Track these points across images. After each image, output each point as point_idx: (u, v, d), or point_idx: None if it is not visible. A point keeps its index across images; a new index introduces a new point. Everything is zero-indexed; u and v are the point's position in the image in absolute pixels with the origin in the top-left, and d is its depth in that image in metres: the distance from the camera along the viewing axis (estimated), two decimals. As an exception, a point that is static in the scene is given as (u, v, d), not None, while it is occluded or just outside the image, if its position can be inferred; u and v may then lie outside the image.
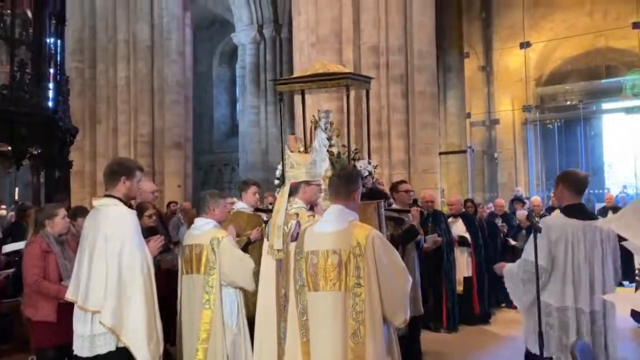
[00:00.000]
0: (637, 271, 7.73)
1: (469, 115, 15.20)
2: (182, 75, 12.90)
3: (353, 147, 5.36)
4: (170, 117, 12.57)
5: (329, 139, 4.73)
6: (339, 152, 5.13)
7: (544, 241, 3.14)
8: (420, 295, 5.03)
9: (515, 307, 3.55)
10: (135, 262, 2.72)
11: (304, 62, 9.42)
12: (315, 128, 4.76)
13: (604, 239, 3.07)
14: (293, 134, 10.84)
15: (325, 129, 4.74)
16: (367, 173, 5.08)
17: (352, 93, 8.82)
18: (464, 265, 6.99)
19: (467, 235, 6.95)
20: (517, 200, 10.05)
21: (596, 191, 15.03)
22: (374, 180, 5.02)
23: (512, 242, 8.05)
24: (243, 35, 17.01)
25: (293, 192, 2.85)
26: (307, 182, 2.98)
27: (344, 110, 8.63)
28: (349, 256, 2.41)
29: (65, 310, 3.41)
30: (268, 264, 2.86)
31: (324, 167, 4.59)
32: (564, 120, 16.55)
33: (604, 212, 10.48)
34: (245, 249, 3.77)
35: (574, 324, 2.98)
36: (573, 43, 15.91)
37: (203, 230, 3.25)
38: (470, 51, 15.33)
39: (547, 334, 3.03)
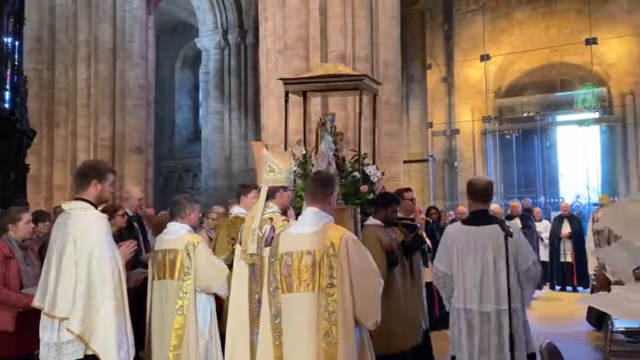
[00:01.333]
0: (592, 277, 8.05)
1: (430, 125, 15.52)
2: (145, 79, 12.66)
3: (350, 152, 5.30)
4: (131, 121, 12.30)
5: (335, 142, 4.70)
6: (343, 157, 5.10)
7: (443, 248, 3.43)
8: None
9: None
10: (106, 268, 2.64)
11: (271, 68, 9.43)
12: (322, 131, 4.71)
13: (501, 244, 3.10)
14: (259, 140, 10.83)
15: (331, 132, 4.72)
16: (376, 179, 5.10)
17: (317, 99, 9.00)
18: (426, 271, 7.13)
19: (429, 242, 7.08)
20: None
21: (552, 200, 15.59)
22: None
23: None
24: (207, 40, 16.87)
25: (269, 196, 2.84)
26: (285, 188, 2.98)
27: (352, 114, 8.66)
28: (323, 256, 2.42)
29: (26, 319, 3.29)
30: (241, 269, 2.83)
31: (330, 171, 4.56)
32: (521, 131, 17.10)
33: (560, 220, 10.86)
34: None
35: (478, 325, 3.12)
36: (530, 57, 16.49)
37: (177, 235, 3.19)
38: (432, 62, 15.67)
39: (458, 337, 3.24)
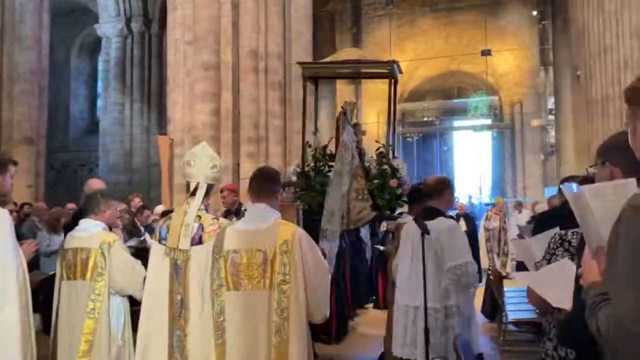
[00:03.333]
0: (487, 271, 8.63)
1: (339, 125, 15.83)
2: (37, 64, 11.64)
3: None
4: (21, 109, 11.26)
5: (355, 133, 4.42)
6: (363, 149, 4.77)
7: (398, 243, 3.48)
8: None
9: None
10: (8, 269, 2.36)
11: (179, 59, 9.09)
12: (343, 121, 4.42)
13: (418, 241, 3.14)
14: (164, 134, 10.38)
15: (350, 122, 4.40)
16: (404, 173, 4.79)
17: (228, 94, 8.81)
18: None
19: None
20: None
21: (448, 200, 16.48)
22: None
23: (381, 248, 8.48)
24: (108, 27, 15.92)
25: (206, 193, 2.72)
26: (212, 186, 2.86)
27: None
28: (275, 253, 2.39)
29: None
30: (160, 268, 2.66)
31: (355, 164, 4.28)
32: (422, 135, 17.99)
33: (456, 219, 11.51)
34: None
35: (421, 321, 3.07)
36: (431, 64, 17.37)
37: (91, 232, 2.94)
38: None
39: (395, 329, 3.29)
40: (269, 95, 8.72)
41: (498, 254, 10.66)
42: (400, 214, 4.59)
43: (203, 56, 8.68)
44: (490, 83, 17.26)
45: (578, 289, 1.87)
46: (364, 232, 7.22)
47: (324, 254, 4.21)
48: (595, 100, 8.01)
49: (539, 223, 4.71)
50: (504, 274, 8.48)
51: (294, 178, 5.01)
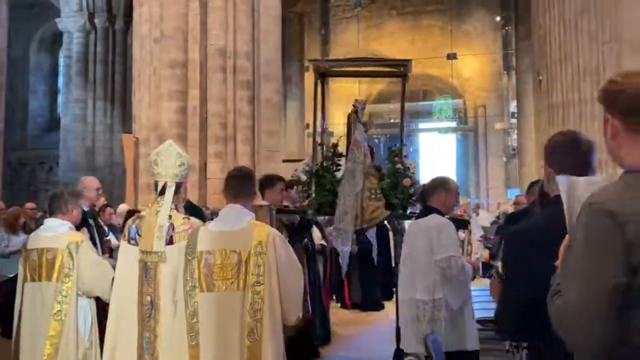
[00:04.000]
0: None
1: (307, 126, 15.84)
2: (-6, 58, 11.24)
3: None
4: (-24, 105, 10.84)
5: (365, 131, 4.34)
6: (373, 148, 4.70)
7: None
8: None
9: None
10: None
11: (145, 57, 8.92)
12: (355, 120, 4.32)
13: (427, 234, 3.36)
14: (129, 132, 10.16)
15: (361, 120, 4.31)
16: (415, 172, 4.75)
17: (195, 92, 8.70)
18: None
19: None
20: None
21: (414, 201, 16.72)
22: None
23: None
24: (70, 22, 15.46)
25: (175, 192, 2.67)
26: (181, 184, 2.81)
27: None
28: (249, 255, 2.37)
29: None
30: (129, 268, 2.60)
31: (367, 163, 4.22)
32: (389, 136, 18.14)
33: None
34: None
35: (421, 315, 3.27)
36: (398, 67, 17.54)
37: (57, 232, 2.84)
38: (310, 65, 16.01)
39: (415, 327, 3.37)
40: (237, 94, 8.64)
41: (462, 254, 10.85)
42: (413, 213, 4.63)
43: (170, 54, 8.55)
44: (455, 86, 17.60)
45: (506, 280, 1.96)
46: (371, 232, 7.32)
47: (337, 254, 4.20)
48: (556, 104, 8.23)
49: (509, 221, 4.94)
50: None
51: (303, 177, 4.96)
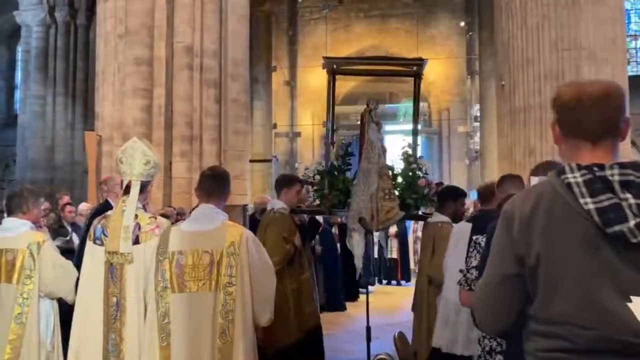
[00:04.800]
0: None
1: (274, 126, 15.78)
2: (-52, 51, 10.79)
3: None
4: None
5: (378, 130, 4.27)
6: (385, 148, 4.63)
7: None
8: None
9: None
10: None
11: (109, 53, 8.71)
12: (368, 119, 4.25)
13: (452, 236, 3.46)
14: (91, 130, 9.89)
15: (374, 120, 4.24)
16: (429, 173, 4.70)
17: (161, 90, 8.55)
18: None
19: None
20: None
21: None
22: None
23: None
24: (29, 15, 14.97)
25: (141, 191, 2.61)
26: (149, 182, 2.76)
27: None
28: (222, 255, 2.34)
29: None
30: (94, 269, 2.54)
31: (382, 163, 4.15)
32: (355, 137, 18.26)
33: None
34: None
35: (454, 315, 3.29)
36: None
37: (17, 232, 2.74)
38: (277, 65, 15.96)
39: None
40: (203, 93, 8.54)
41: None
42: (426, 213, 4.63)
43: (135, 50, 8.37)
44: (420, 90, 17.84)
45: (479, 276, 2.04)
46: (379, 233, 7.40)
47: (351, 253, 4.17)
48: (518, 109, 8.46)
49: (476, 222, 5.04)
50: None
51: (317, 177, 4.89)
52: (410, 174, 4.78)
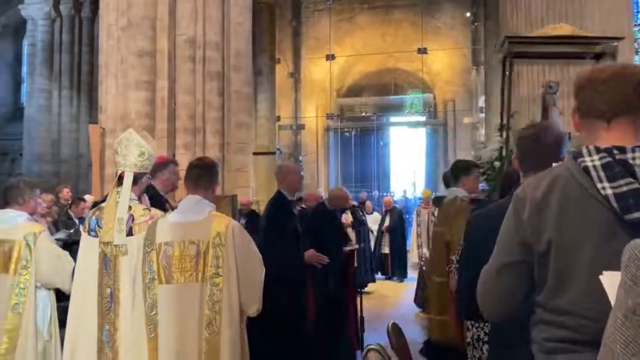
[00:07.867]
0: (421, 264, 8.91)
1: (278, 119, 15.76)
2: (-47, 45, 10.85)
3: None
4: None
5: (560, 113, 4.13)
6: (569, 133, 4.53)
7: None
8: None
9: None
10: None
11: (112, 45, 8.72)
12: (550, 103, 4.11)
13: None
14: (95, 123, 9.93)
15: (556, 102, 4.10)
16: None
17: (164, 83, 8.55)
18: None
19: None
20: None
21: (385, 194, 16.91)
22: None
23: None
24: (34, 9, 15.00)
25: (135, 182, 2.62)
26: (145, 174, 2.77)
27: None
28: (208, 246, 2.35)
29: None
30: (89, 260, 2.56)
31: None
32: (359, 129, 18.25)
33: (385, 214, 11.68)
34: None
35: None
36: (369, 60, 17.62)
37: (14, 223, 2.77)
38: (280, 57, 15.90)
39: None
40: (206, 85, 8.55)
41: (428, 245, 10.94)
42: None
43: (138, 43, 8.38)
44: (426, 81, 17.75)
45: (465, 264, 2.02)
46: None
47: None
48: (523, 100, 8.42)
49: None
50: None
51: (497, 163, 4.75)
52: None
